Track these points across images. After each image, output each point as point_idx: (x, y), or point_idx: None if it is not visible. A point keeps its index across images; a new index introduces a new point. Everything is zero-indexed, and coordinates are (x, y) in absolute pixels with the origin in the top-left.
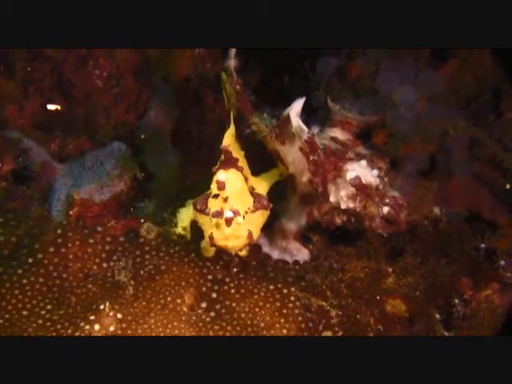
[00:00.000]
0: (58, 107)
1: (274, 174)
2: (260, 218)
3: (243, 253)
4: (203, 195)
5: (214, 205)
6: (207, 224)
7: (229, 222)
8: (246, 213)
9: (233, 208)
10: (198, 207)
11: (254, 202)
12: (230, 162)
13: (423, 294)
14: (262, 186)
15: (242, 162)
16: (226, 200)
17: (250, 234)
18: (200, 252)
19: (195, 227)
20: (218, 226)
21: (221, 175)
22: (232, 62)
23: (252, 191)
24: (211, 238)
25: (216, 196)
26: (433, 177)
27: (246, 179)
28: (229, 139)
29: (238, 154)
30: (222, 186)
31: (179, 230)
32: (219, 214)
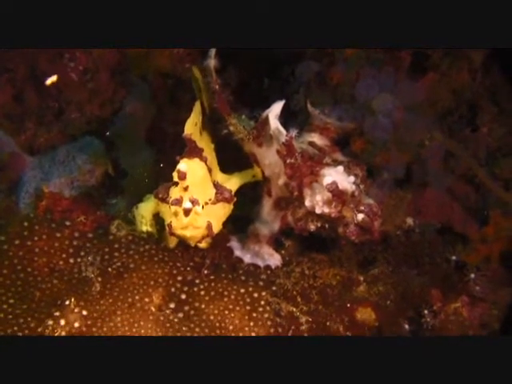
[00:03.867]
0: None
1: (247, 174)
2: (221, 210)
3: (203, 245)
4: (165, 184)
5: (173, 192)
6: (167, 213)
7: (187, 212)
8: (207, 203)
9: (192, 197)
10: (160, 195)
11: (216, 193)
12: (194, 151)
13: (393, 303)
14: (232, 182)
15: (209, 154)
16: (186, 189)
17: (209, 226)
18: (169, 250)
19: (158, 220)
20: (176, 214)
21: (182, 165)
22: (212, 62)
23: (215, 183)
24: (169, 226)
25: (176, 183)
26: (407, 187)
27: (211, 170)
28: (190, 127)
29: (205, 144)
30: (182, 176)
31: (146, 227)
32: (178, 202)
